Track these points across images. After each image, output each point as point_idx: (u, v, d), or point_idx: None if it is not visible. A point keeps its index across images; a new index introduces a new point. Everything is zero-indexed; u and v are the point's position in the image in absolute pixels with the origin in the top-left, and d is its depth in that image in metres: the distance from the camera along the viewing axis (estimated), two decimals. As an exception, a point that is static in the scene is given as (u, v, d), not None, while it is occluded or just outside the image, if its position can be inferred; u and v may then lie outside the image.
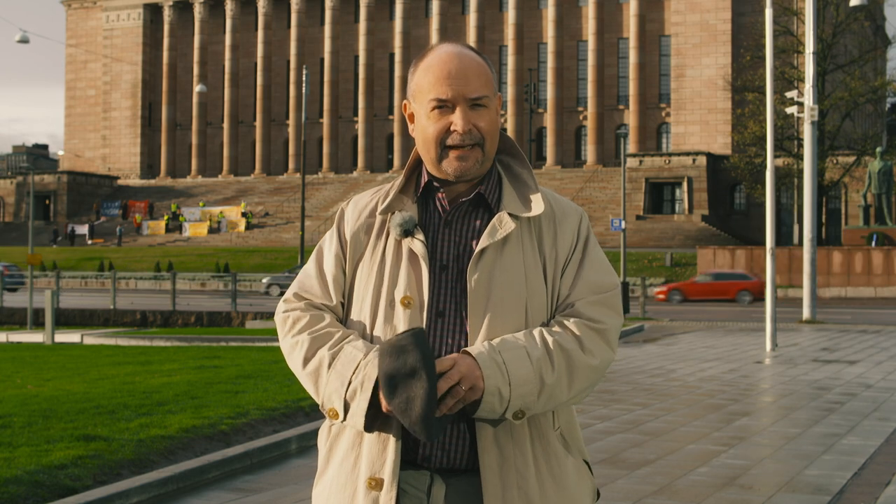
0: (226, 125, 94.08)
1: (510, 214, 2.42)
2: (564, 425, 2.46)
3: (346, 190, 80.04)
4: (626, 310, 28.10)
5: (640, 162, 69.70)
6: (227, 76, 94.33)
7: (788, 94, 27.85)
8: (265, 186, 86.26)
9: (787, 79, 53.19)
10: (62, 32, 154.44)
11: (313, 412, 9.64)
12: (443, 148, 2.41)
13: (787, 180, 57.25)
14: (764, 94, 36.17)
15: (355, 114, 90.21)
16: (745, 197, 67.70)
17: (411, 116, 2.50)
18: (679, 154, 69.96)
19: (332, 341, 2.39)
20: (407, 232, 2.41)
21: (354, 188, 79.22)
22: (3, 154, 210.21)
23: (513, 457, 2.35)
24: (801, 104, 26.87)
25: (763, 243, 27.51)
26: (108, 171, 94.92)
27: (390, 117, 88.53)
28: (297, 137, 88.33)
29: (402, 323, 2.37)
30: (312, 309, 2.47)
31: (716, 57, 75.85)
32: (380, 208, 2.48)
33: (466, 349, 2.31)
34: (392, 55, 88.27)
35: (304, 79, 49.56)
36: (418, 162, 2.52)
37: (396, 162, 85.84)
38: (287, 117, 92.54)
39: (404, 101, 2.54)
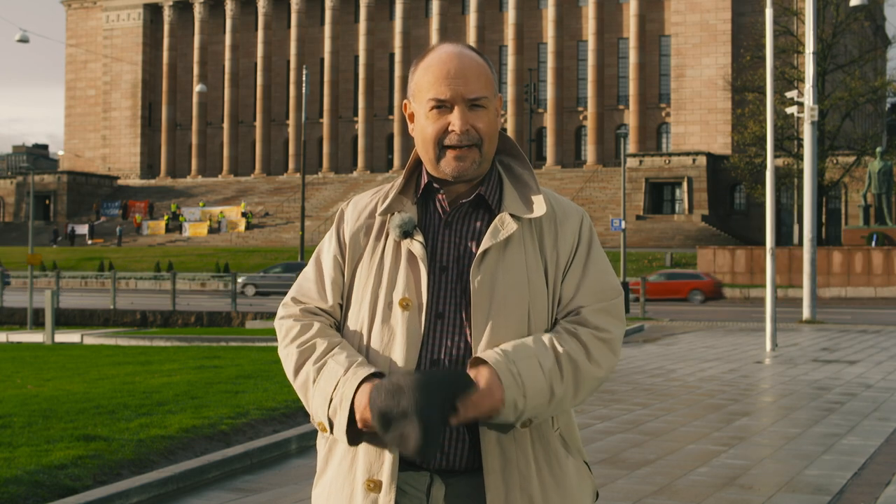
0: (226, 125, 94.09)
1: (512, 215, 2.41)
2: (563, 426, 2.46)
3: (346, 190, 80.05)
4: (626, 310, 28.11)
5: (640, 162, 69.70)
6: (227, 76, 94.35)
7: (788, 94, 27.84)
8: (265, 186, 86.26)
9: (787, 79, 53.19)
10: (62, 32, 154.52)
11: (313, 412, 9.62)
12: (441, 148, 2.40)
13: (787, 180, 57.25)
14: (764, 94, 36.18)
15: (355, 114, 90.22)
16: (745, 197, 67.70)
17: (411, 116, 2.49)
18: (679, 154, 69.98)
19: (316, 354, 2.39)
20: (406, 233, 2.40)
21: (354, 188, 79.21)
22: (3, 154, 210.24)
23: (515, 458, 2.35)
24: (801, 104, 26.86)
25: (763, 243, 27.53)
26: (108, 171, 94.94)
27: (390, 117, 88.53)
28: (297, 137, 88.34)
29: (400, 325, 2.36)
30: (306, 315, 2.47)
31: (716, 57, 75.86)
32: (379, 209, 2.47)
33: (480, 357, 2.30)
34: (392, 55, 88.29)
35: (304, 79, 49.57)
36: (418, 162, 2.51)
37: (396, 162, 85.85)
38: (287, 117, 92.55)
39: (405, 101, 2.54)
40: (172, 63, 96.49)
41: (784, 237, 61.30)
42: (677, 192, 69.38)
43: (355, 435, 2.33)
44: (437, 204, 2.46)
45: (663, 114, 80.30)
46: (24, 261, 47.08)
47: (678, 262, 50.61)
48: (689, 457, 8.06)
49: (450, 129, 2.39)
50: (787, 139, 55.20)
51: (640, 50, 79.06)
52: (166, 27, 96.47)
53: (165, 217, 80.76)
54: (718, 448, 8.42)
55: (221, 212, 79.25)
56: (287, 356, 2.45)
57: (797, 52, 54.84)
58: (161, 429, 8.15)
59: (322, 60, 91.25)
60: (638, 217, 65.94)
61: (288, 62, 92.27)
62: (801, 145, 51.36)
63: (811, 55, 27.13)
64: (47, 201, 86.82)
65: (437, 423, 2.19)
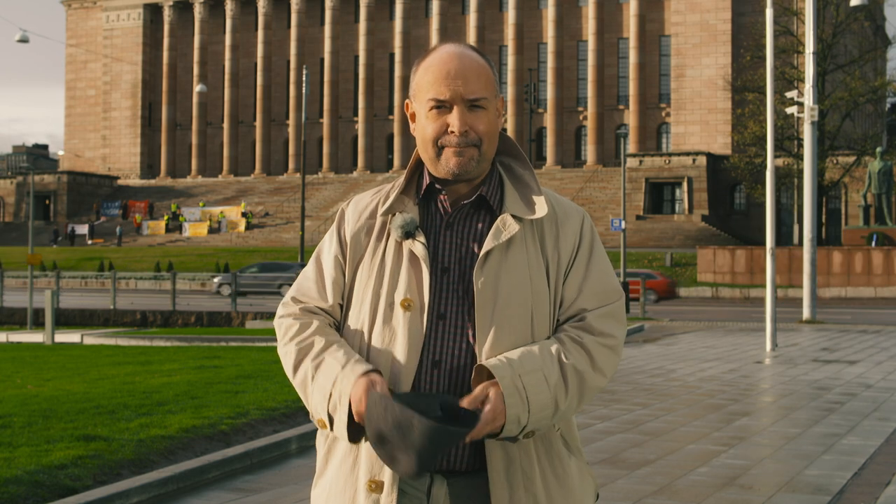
0: (226, 125, 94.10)
1: (513, 216, 2.41)
2: (564, 427, 2.47)
3: (346, 190, 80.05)
4: (626, 310, 28.05)
5: (640, 162, 69.70)
6: (227, 76, 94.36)
7: (788, 94, 27.83)
8: (265, 186, 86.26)
9: (787, 79, 53.19)
10: (62, 32, 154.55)
11: (313, 412, 9.63)
12: (440, 148, 2.41)
13: (787, 180, 57.25)
14: (764, 94, 36.19)
15: (355, 114, 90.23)
16: (745, 197, 67.70)
17: (413, 116, 2.50)
18: (679, 154, 69.98)
19: (314, 351, 2.39)
20: (408, 234, 2.40)
21: (354, 188, 79.22)
22: (3, 154, 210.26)
23: (518, 459, 2.36)
24: (801, 104, 26.85)
25: (763, 243, 27.54)
26: (108, 171, 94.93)
27: (390, 117, 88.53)
28: (297, 137, 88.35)
29: (401, 325, 2.36)
30: (305, 314, 2.47)
31: (716, 57, 75.87)
32: (381, 210, 2.47)
33: (487, 367, 2.29)
34: (392, 55, 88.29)
35: (304, 79, 49.57)
36: (420, 163, 2.52)
37: (396, 162, 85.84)
38: (287, 117, 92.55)
39: (406, 101, 2.54)
40: (172, 63, 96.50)
41: (784, 237, 61.30)
42: (677, 192, 69.38)
43: (356, 432, 2.33)
44: (439, 205, 2.46)
45: (663, 114, 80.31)
46: (24, 261, 47.09)
47: (678, 263, 50.62)
48: (689, 457, 8.06)
49: (449, 129, 2.39)
50: (787, 139, 55.20)
51: (640, 50, 79.07)
52: (166, 27, 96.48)
53: (165, 217, 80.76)
54: (718, 448, 8.42)
55: (221, 212, 79.24)
56: (286, 354, 2.45)
57: (797, 52, 54.83)
58: (161, 429, 8.15)
59: (322, 60, 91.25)
60: (638, 217, 65.94)
61: (288, 62, 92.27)
62: (801, 145, 51.36)
63: (811, 55, 27.13)
64: (47, 201, 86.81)
65: (434, 461, 2.20)
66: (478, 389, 2.28)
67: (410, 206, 2.46)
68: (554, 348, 2.35)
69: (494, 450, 2.34)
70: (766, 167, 21.84)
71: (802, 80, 46.10)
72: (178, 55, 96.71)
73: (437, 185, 2.46)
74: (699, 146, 74.39)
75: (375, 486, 2.34)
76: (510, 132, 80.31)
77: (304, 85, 48.54)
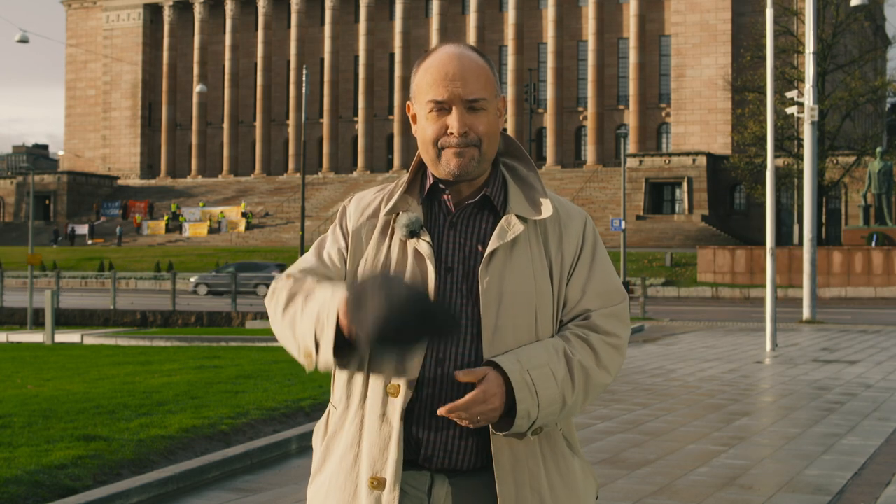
0: (226, 125, 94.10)
1: (518, 216, 2.42)
2: (565, 426, 2.48)
3: (346, 190, 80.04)
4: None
5: (640, 162, 69.70)
6: (227, 76, 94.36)
7: (788, 94, 27.82)
8: (265, 186, 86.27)
9: (787, 79, 53.19)
10: (62, 32, 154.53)
11: (313, 412, 9.65)
12: (440, 149, 2.41)
13: (787, 180, 57.24)
14: (764, 94, 36.18)
15: (355, 114, 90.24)
16: (745, 197, 67.71)
17: (414, 117, 2.50)
18: (679, 154, 69.98)
19: (306, 287, 2.38)
20: (413, 233, 2.40)
21: (354, 188, 79.20)
22: (3, 154, 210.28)
23: (524, 457, 2.37)
24: (801, 104, 26.85)
25: (763, 243, 27.55)
26: (108, 171, 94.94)
27: (390, 117, 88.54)
28: (297, 137, 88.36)
29: None
30: (300, 273, 2.47)
31: (716, 57, 75.88)
32: (384, 209, 2.47)
33: (496, 362, 2.30)
34: (392, 55, 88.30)
35: (304, 79, 49.56)
36: (423, 163, 2.52)
37: (396, 162, 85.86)
38: (287, 117, 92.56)
39: (408, 102, 2.55)
40: (172, 63, 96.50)
41: (784, 237, 61.29)
42: (677, 192, 69.38)
43: (344, 354, 2.30)
44: (443, 204, 2.46)
45: (663, 114, 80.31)
46: (24, 261, 47.07)
47: (678, 263, 50.61)
48: (689, 457, 8.06)
49: (448, 130, 2.39)
50: (787, 139, 55.20)
51: (640, 50, 79.07)
52: (166, 27, 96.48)
53: (165, 217, 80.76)
54: (718, 448, 8.42)
55: (221, 212, 79.24)
56: (276, 304, 2.43)
57: (797, 52, 54.83)
58: (161, 429, 8.15)
59: (322, 60, 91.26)
60: (638, 217, 65.94)
61: (288, 62, 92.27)
62: (801, 145, 51.36)
63: (811, 55, 27.12)
64: (47, 201, 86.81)
65: (398, 334, 2.16)
66: (480, 368, 2.28)
67: (414, 205, 2.46)
68: (560, 345, 2.36)
69: (501, 448, 2.35)
70: (766, 167, 21.85)
71: (802, 80, 46.11)
72: (178, 55, 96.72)
73: (441, 185, 2.46)
74: (699, 146, 74.40)
75: (377, 483, 2.33)
76: (510, 132, 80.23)
77: (304, 85, 48.54)
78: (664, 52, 79.84)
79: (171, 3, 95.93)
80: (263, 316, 31.65)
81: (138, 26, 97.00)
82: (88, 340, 24.85)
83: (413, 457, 2.36)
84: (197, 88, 76.88)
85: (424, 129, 2.43)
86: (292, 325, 2.37)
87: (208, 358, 14.91)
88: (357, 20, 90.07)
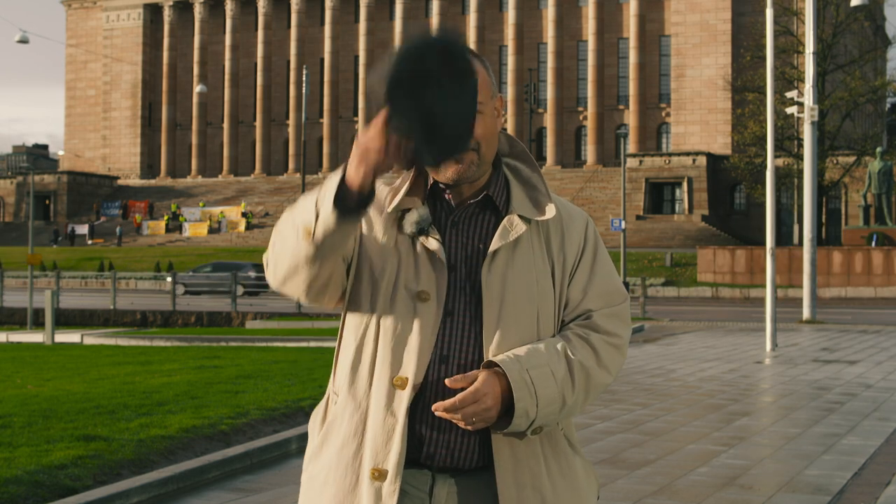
0: (226, 125, 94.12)
1: (520, 217, 2.42)
2: (566, 426, 2.49)
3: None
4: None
5: (640, 162, 69.72)
6: (227, 76, 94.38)
7: (788, 94, 27.83)
8: (265, 186, 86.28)
9: (787, 79, 53.19)
10: (62, 32, 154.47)
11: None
12: None
13: (787, 180, 57.25)
14: (764, 94, 36.16)
15: (355, 114, 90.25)
16: (745, 197, 67.71)
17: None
18: (679, 154, 70.00)
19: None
20: (422, 230, 2.40)
21: (354, 188, 79.15)
22: (3, 154, 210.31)
23: (526, 457, 2.37)
24: (801, 104, 26.85)
25: (763, 243, 27.54)
26: (108, 171, 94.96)
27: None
28: (297, 137, 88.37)
29: (416, 316, 2.35)
30: None
31: (716, 57, 75.89)
32: (389, 208, 2.46)
33: (494, 361, 2.30)
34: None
35: (304, 79, 49.57)
36: (424, 162, 2.52)
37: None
38: (287, 117, 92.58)
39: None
40: (172, 63, 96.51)
41: (784, 237, 61.28)
42: (677, 192, 69.40)
43: (346, 208, 2.23)
44: (445, 204, 2.46)
45: (663, 114, 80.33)
46: (24, 261, 47.05)
47: (678, 263, 50.60)
48: (689, 457, 8.06)
49: (447, 133, 2.38)
50: (787, 139, 55.20)
51: (640, 50, 79.09)
52: (166, 27, 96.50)
53: (165, 217, 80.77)
54: (718, 448, 8.42)
55: (221, 212, 79.25)
56: (274, 229, 2.41)
57: (797, 52, 54.83)
58: (161, 429, 8.15)
59: (322, 60, 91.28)
60: (638, 217, 65.95)
61: (288, 62, 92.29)
62: (801, 145, 51.35)
63: (811, 55, 27.12)
64: (47, 201, 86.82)
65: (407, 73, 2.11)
66: (471, 373, 2.29)
67: (418, 204, 2.45)
68: (560, 345, 2.36)
69: (502, 448, 2.35)
70: (766, 167, 21.84)
71: (802, 80, 46.11)
72: (178, 55, 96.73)
73: (442, 185, 2.46)
74: (699, 146, 74.40)
75: (379, 475, 2.33)
76: (510, 132, 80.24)
77: (304, 85, 48.56)
78: (664, 52, 79.86)
79: (171, 3, 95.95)
80: (263, 316, 31.66)
81: (138, 26, 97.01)
82: (88, 340, 24.84)
83: (415, 455, 2.36)
84: (197, 88, 76.93)
85: None
86: (291, 214, 2.34)
87: (208, 358, 14.91)
88: (357, 20, 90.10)
